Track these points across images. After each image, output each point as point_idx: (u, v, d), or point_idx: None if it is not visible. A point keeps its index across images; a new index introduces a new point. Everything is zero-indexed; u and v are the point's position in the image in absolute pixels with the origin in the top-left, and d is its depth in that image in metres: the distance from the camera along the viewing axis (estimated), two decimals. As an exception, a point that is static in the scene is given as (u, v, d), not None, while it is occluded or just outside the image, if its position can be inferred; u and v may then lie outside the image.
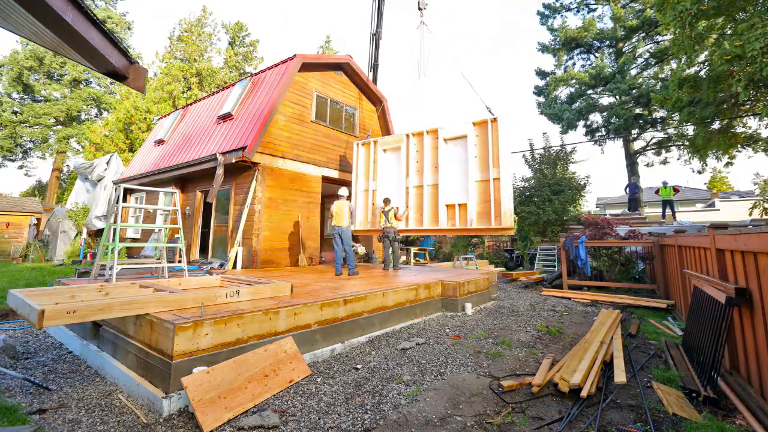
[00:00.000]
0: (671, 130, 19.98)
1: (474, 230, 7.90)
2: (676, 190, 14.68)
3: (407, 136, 9.15)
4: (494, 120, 7.58)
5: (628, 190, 16.45)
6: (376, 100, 12.68)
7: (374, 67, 13.88)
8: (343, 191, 8.07)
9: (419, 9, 10.42)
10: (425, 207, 8.64)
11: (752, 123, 15.27)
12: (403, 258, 13.64)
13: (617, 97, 20.57)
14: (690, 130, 17.22)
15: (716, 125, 13.33)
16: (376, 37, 13.69)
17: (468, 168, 7.95)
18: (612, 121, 20.57)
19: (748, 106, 12.56)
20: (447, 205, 8.31)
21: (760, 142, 14.09)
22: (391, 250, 8.41)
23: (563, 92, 23.40)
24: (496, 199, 7.49)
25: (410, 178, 9.00)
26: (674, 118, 17.36)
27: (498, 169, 7.48)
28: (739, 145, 14.24)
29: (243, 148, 8.48)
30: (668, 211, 14.81)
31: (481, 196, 7.82)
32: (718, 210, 22.15)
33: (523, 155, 16.67)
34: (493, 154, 7.59)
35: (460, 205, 8.08)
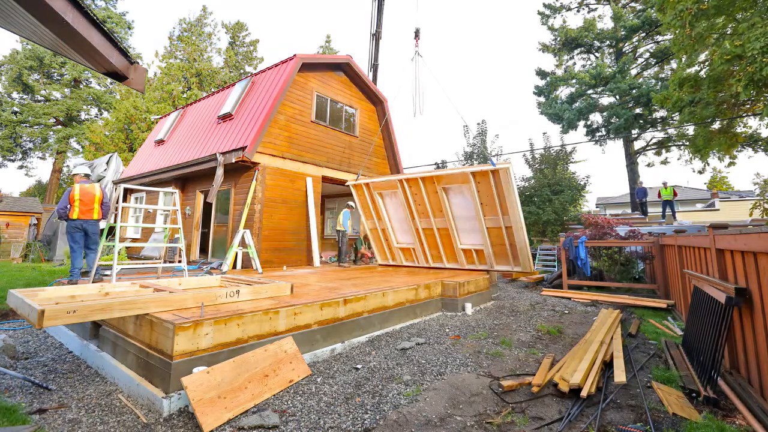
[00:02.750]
0: (671, 130, 19.98)
1: (497, 271, 7.82)
2: (674, 193, 14.71)
3: (400, 181, 8.13)
4: (496, 171, 6.78)
5: (637, 195, 16.36)
6: (376, 100, 12.68)
7: (374, 67, 13.89)
8: (81, 169, 5.84)
9: (415, 38, 9.01)
10: (441, 248, 8.24)
11: (752, 123, 15.23)
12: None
13: (617, 97, 20.58)
14: (690, 130, 17.21)
15: (717, 125, 13.33)
16: (376, 36, 13.70)
17: (476, 214, 7.37)
18: (612, 121, 20.58)
19: (748, 106, 12.56)
20: (464, 250, 7.93)
21: (760, 142, 14.08)
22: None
23: (563, 92, 23.42)
24: (512, 243, 7.18)
25: (417, 220, 8.28)
26: (674, 118, 17.36)
27: (508, 217, 6.99)
28: (739, 145, 14.23)
29: (243, 148, 8.48)
30: (668, 211, 14.82)
31: (494, 240, 7.42)
32: (718, 210, 22.11)
33: (524, 155, 16.69)
34: (500, 201, 6.95)
35: (476, 250, 7.74)
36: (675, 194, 14.70)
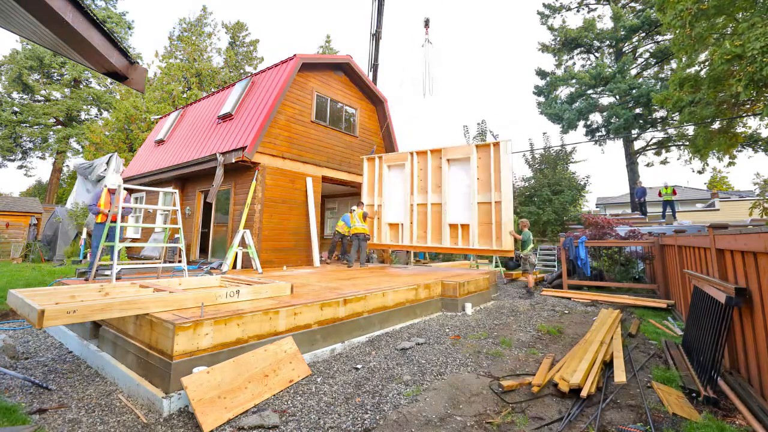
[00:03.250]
0: (671, 130, 19.98)
1: (475, 250, 7.98)
2: (674, 192, 14.70)
3: (411, 154, 9.00)
4: (496, 144, 7.46)
5: (636, 194, 16.42)
6: (376, 100, 12.67)
7: (374, 67, 13.88)
8: (114, 179, 6.07)
9: (425, 27, 9.89)
10: (429, 225, 8.57)
11: (752, 123, 15.24)
12: (404, 258, 13.61)
13: (617, 97, 20.58)
14: (690, 130, 17.21)
15: (716, 125, 13.33)
16: (376, 36, 13.68)
17: (470, 189, 7.91)
18: (612, 121, 20.58)
19: (748, 106, 12.55)
20: (450, 225, 8.24)
21: (760, 142, 14.08)
22: (359, 248, 9.18)
23: (563, 92, 23.41)
24: (497, 221, 7.46)
25: (414, 195, 8.89)
26: (674, 118, 17.36)
27: (500, 193, 7.44)
28: (739, 145, 14.23)
29: (243, 148, 8.48)
30: (668, 211, 14.82)
31: (482, 218, 7.77)
32: (718, 210, 22.10)
33: (523, 155, 16.69)
34: (495, 177, 7.50)
35: (462, 225, 8.05)
36: (675, 194, 14.70)
